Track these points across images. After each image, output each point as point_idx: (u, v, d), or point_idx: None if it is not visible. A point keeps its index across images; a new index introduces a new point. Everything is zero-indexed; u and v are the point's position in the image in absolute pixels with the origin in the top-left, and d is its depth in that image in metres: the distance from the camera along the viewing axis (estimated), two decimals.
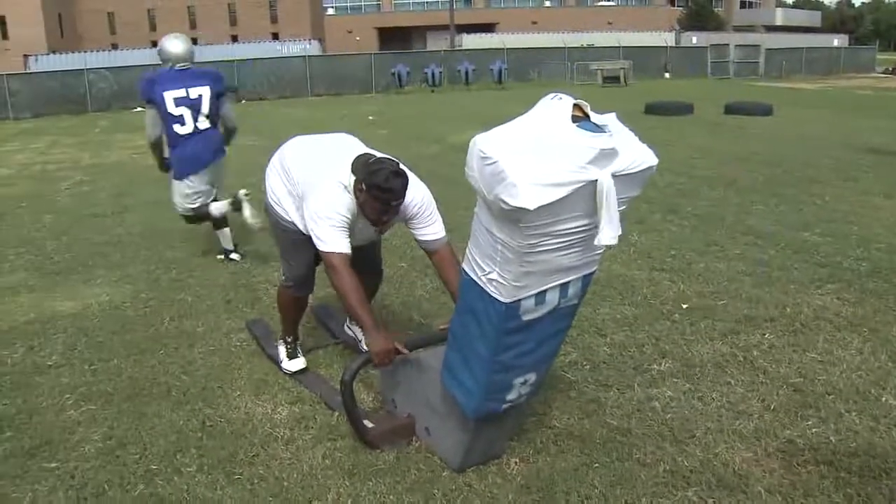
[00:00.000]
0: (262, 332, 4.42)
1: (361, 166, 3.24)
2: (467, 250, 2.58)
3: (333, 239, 3.25)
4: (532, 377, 2.85)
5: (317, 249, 3.36)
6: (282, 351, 3.99)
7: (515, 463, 3.08)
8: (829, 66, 40.09)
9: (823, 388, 3.65)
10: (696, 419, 3.39)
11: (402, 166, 3.23)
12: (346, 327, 4.36)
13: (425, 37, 62.89)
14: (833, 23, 77.71)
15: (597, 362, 4.01)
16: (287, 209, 3.61)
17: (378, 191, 3.14)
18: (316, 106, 23.94)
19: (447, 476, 2.99)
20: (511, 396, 2.85)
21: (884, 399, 3.54)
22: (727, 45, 38.45)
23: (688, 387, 3.69)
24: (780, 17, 72.19)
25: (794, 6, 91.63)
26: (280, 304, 3.97)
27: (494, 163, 2.19)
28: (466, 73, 30.34)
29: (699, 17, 62.43)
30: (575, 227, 2.31)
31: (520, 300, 2.48)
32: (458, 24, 43.26)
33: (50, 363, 4.22)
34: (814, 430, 3.27)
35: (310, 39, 44.37)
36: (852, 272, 5.39)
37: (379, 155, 3.38)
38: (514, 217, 2.22)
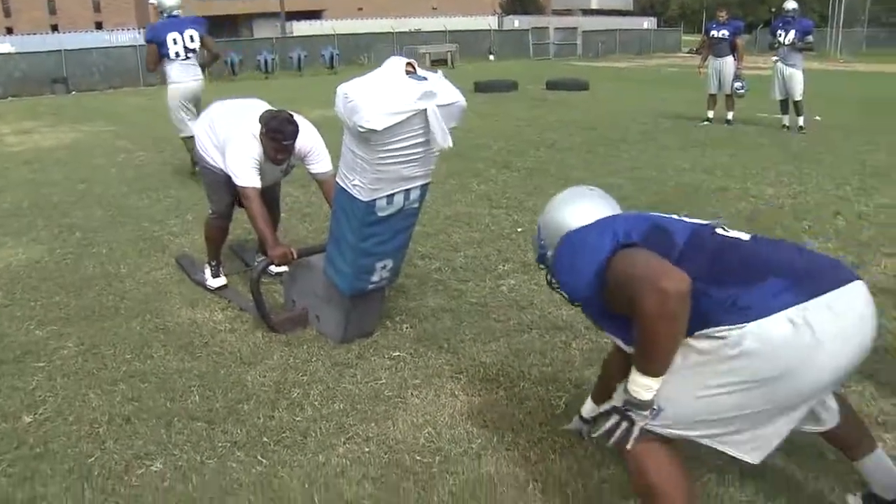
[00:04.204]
0: (187, 263, 5.38)
1: (264, 117, 4.30)
2: (339, 167, 3.65)
3: (247, 175, 4.31)
4: (389, 263, 3.95)
5: (234, 188, 4.41)
6: (207, 272, 5.00)
7: (407, 327, 4.27)
8: (641, 47, 43.32)
9: None
10: (533, 294, 4.67)
11: (295, 116, 4.32)
12: (256, 260, 5.37)
13: (251, 24, 62.21)
14: (643, 6, 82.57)
15: (455, 267, 5.27)
16: (213, 157, 4.61)
17: (274, 133, 4.24)
18: (155, 95, 23.95)
19: (357, 342, 4.12)
20: (375, 278, 3.96)
21: None
22: (547, 27, 40.81)
23: (525, 277, 4.98)
24: (595, 0, 75.62)
25: None
26: (206, 233, 4.98)
27: (353, 100, 3.30)
28: (299, 59, 30.80)
29: (520, 1, 64.71)
30: (411, 146, 3.41)
31: (375, 200, 3.57)
32: (285, 11, 43.51)
33: None
34: None
35: (138, 28, 43.45)
36: (647, 206, 6.88)
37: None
38: (366, 137, 3.31)
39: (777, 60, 11.42)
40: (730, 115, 12.21)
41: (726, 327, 1.99)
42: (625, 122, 12.61)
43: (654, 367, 2.06)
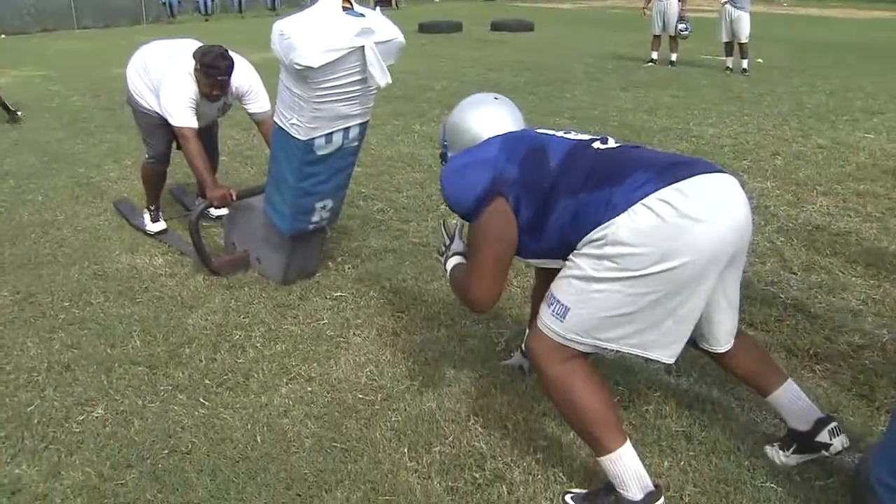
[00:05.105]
0: (126, 208, 5.28)
1: (197, 53, 4.21)
2: (276, 106, 3.58)
3: (183, 115, 4.23)
4: (329, 203, 3.92)
5: (170, 131, 4.33)
6: (146, 217, 4.92)
7: (349, 268, 4.27)
8: None
9: None
10: None
11: (229, 52, 4.23)
12: (196, 204, 5.30)
13: None
14: None
15: (398, 208, 5.28)
16: (147, 99, 4.50)
17: (207, 68, 4.15)
18: (90, 38, 23.30)
19: (299, 283, 4.11)
20: (315, 218, 3.92)
21: None
22: None
23: None
24: None
25: None
26: (144, 177, 4.88)
27: (289, 38, 3.24)
28: (240, 0, 30.04)
29: None
30: (349, 84, 3.35)
31: (314, 138, 3.52)
32: None
33: None
34: None
35: None
36: None
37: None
38: (304, 75, 3.26)
39: (725, 3, 11.46)
40: (673, 57, 12.29)
41: (602, 226, 2.06)
42: (569, 63, 12.61)
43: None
